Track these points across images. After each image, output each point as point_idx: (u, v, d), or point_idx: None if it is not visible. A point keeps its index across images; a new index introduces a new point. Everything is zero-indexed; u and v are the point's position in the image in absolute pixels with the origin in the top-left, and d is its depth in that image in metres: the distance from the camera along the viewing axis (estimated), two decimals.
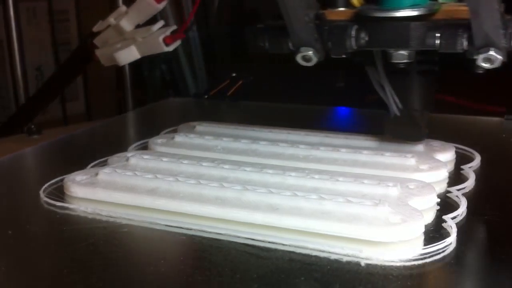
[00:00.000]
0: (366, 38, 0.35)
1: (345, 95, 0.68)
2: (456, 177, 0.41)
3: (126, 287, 0.28)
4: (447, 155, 0.43)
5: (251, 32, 0.40)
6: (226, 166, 0.40)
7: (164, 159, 0.42)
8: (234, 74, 0.73)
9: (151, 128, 0.55)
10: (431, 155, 0.43)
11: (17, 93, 0.85)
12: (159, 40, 0.52)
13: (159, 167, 0.41)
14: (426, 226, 0.32)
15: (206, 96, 0.72)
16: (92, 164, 0.44)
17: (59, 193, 0.39)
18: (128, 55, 0.54)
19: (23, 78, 0.82)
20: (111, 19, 0.55)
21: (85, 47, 0.61)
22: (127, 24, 0.54)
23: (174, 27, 0.54)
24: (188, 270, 0.29)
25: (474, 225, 0.34)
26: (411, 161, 0.41)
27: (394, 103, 0.40)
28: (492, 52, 0.32)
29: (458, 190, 0.38)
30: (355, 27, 0.36)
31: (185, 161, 0.41)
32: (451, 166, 0.43)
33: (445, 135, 0.47)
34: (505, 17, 0.32)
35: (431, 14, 0.34)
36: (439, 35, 0.34)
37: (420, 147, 0.44)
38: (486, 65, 0.33)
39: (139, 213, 0.35)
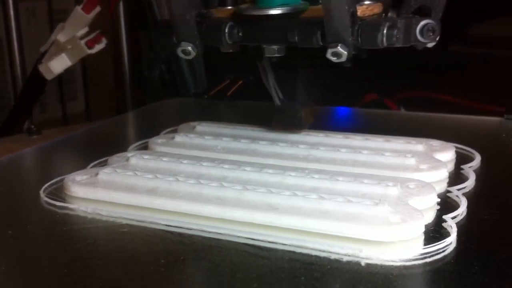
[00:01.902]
0: (240, 34, 0.39)
1: (346, 95, 0.68)
2: (456, 177, 0.41)
3: (126, 287, 0.28)
4: (447, 155, 0.43)
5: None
6: (226, 166, 0.40)
7: (164, 159, 0.42)
8: (233, 74, 0.73)
9: (151, 128, 0.54)
10: (431, 155, 0.43)
11: (17, 93, 0.85)
12: (82, 44, 0.59)
13: (159, 167, 0.41)
14: (426, 225, 0.32)
15: (205, 96, 0.72)
16: (92, 164, 0.44)
17: (59, 193, 0.39)
18: (61, 63, 0.60)
19: (23, 78, 0.82)
20: (52, 37, 0.62)
21: (36, 68, 0.65)
22: (62, 37, 0.61)
23: (97, 32, 0.61)
24: (188, 270, 0.29)
25: (474, 225, 0.34)
26: (411, 160, 0.41)
27: (276, 95, 0.45)
28: (339, 48, 0.35)
29: (458, 189, 0.38)
30: (230, 24, 0.39)
31: (185, 161, 0.41)
32: (451, 166, 0.43)
33: (445, 135, 0.47)
34: (356, 16, 0.35)
35: (298, 13, 0.37)
36: (297, 31, 0.37)
37: (420, 147, 0.44)
38: (334, 59, 0.36)
39: (139, 213, 0.35)
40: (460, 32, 0.74)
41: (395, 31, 0.35)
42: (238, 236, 0.32)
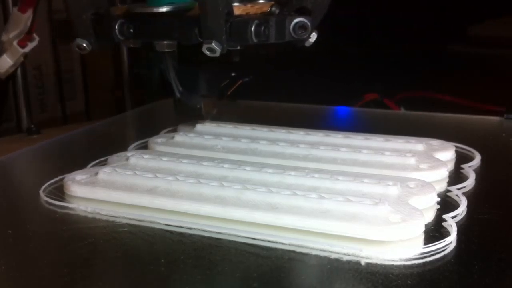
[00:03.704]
0: (131, 31, 0.41)
1: (346, 95, 0.68)
2: (456, 176, 0.41)
3: (126, 286, 0.28)
4: (447, 154, 0.43)
5: None
6: (226, 165, 0.40)
7: (164, 159, 0.42)
8: (233, 74, 0.73)
9: (150, 127, 0.55)
10: (431, 154, 0.43)
11: (17, 93, 0.84)
12: (14, 44, 0.62)
13: (159, 167, 0.41)
14: (426, 225, 0.32)
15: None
16: (92, 163, 0.44)
17: (59, 192, 0.39)
18: (3, 63, 0.63)
19: (22, 78, 0.82)
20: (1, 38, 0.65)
21: None
22: (5, 37, 0.63)
23: (26, 31, 0.63)
24: (188, 269, 0.29)
25: (474, 224, 0.34)
26: (411, 160, 0.41)
27: (175, 87, 0.47)
28: (212, 44, 0.37)
29: (458, 189, 0.38)
30: (120, 21, 0.41)
31: (185, 161, 0.41)
32: (451, 165, 0.43)
33: (445, 134, 0.47)
34: (231, 15, 0.38)
35: (184, 11, 0.39)
36: (178, 28, 0.39)
37: (420, 146, 0.44)
38: (208, 53, 0.38)
39: (139, 212, 0.35)
40: (460, 32, 0.74)
41: (263, 28, 0.37)
42: (238, 236, 0.32)
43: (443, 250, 0.30)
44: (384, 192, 0.35)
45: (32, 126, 0.73)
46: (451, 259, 0.30)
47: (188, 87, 0.47)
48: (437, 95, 0.69)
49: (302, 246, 0.31)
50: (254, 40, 0.38)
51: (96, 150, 0.46)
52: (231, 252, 0.31)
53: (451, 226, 0.32)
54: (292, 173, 0.38)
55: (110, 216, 0.35)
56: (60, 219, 0.36)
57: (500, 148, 0.49)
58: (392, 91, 0.70)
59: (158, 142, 0.48)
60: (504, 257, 0.30)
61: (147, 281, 0.28)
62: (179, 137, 0.48)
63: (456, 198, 0.36)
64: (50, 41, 1.03)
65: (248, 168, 0.40)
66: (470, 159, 0.44)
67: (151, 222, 0.34)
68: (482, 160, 0.44)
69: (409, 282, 0.28)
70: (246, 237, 0.32)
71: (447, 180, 0.40)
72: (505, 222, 0.34)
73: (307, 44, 0.39)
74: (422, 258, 0.29)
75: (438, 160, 0.41)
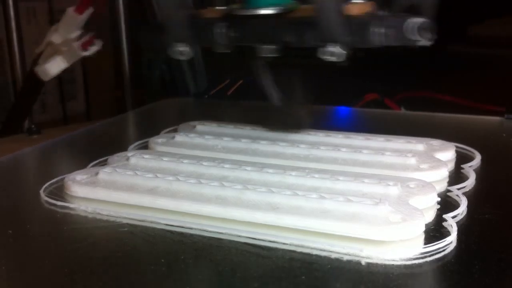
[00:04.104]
0: (233, 35, 0.39)
1: (346, 95, 0.68)
2: (456, 176, 0.41)
3: (126, 286, 0.28)
4: (447, 154, 0.43)
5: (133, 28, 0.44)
6: (227, 166, 0.40)
7: (165, 159, 0.42)
8: (234, 74, 0.73)
9: (151, 127, 0.55)
10: (432, 154, 0.43)
11: (17, 94, 0.85)
12: (75, 47, 0.60)
13: (159, 167, 0.41)
14: (426, 225, 0.32)
15: (206, 96, 0.72)
16: (92, 163, 0.44)
17: (60, 192, 0.39)
18: (56, 66, 0.61)
19: (23, 78, 0.82)
20: (47, 38, 0.62)
21: (31, 69, 0.65)
22: (57, 38, 0.61)
23: (91, 34, 0.61)
24: (189, 270, 0.29)
25: (475, 224, 0.34)
26: (412, 160, 0.41)
27: (274, 95, 0.44)
28: (332, 47, 0.35)
29: (459, 189, 0.38)
30: (222, 24, 0.39)
31: (186, 161, 0.41)
32: (451, 165, 0.43)
33: (446, 134, 0.47)
34: (347, 15, 0.35)
35: (289, 12, 0.37)
36: (289, 31, 0.37)
37: (420, 146, 0.44)
38: (329, 58, 0.36)
39: (139, 212, 0.35)
40: (460, 32, 0.74)
41: (387, 30, 0.35)
42: (239, 236, 0.32)
43: (444, 250, 0.30)
44: (385, 192, 0.35)
45: (33, 126, 0.73)
46: (452, 259, 0.30)
47: (283, 94, 0.44)
48: (437, 95, 0.69)
49: (302, 246, 0.31)
50: (376, 42, 0.35)
51: (97, 150, 0.46)
52: (231, 252, 0.31)
53: (452, 226, 0.32)
54: (293, 173, 0.38)
55: (110, 216, 0.35)
56: (60, 219, 0.36)
57: (500, 148, 0.49)
58: (393, 91, 0.70)
59: (159, 142, 0.48)
60: (504, 257, 0.30)
61: (147, 281, 0.28)
62: (180, 137, 0.48)
63: (456, 198, 0.36)
64: None
65: (248, 168, 0.40)
66: (471, 159, 0.44)
67: (151, 222, 0.34)
68: (482, 160, 0.44)
69: (409, 282, 0.28)
70: (246, 237, 0.32)
71: (447, 180, 0.40)
72: (506, 222, 0.34)
73: (423, 44, 0.36)
74: (422, 258, 0.29)
75: (439, 160, 0.41)
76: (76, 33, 0.60)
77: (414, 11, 0.36)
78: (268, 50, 0.39)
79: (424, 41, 0.35)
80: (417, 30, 0.35)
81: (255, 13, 0.37)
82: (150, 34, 0.43)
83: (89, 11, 0.60)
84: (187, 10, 0.39)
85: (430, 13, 0.36)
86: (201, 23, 0.39)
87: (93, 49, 0.61)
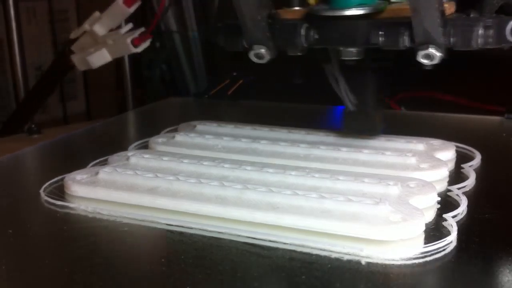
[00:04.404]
0: (316, 36, 0.37)
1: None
2: (456, 176, 0.41)
3: (127, 286, 0.28)
4: (447, 154, 0.43)
5: (212, 30, 0.42)
6: (227, 165, 0.40)
7: (165, 158, 0.42)
8: (234, 73, 0.73)
9: (151, 127, 0.55)
10: (432, 154, 0.43)
11: (18, 94, 0.85)
12: (128, 42, 0.56)
13: (159, 166, 0.41)
14: (426, 224, 0.32)
15: (206, 96, 0.72)
16: (92, 163, 0.44)
17: (60, 192, 0.39)
18: (100, 58, 0.57)
19: (23, 78, 0.82)
20: (86, 26, 0.58)
21: (63, 54, 0.63)
22: (100, 29, 0.57)
23: (142, 29, 0.57)
24: (189, 269, 0.29)
25: (475, 224, 0.34)
26: (412, 160, 0.41)
27: (348, 99, 0.42)
28: (431, 49, 0.33)
29: (459, 188, 0.38)
30: (305, 25, 0.37)
31: (186, 160, 0.41)
32: (451, 165, 0.43)
33: (446, 134, 0.47)
34: (445, 15, 0.33)
35: (377, 13, 0.35)
36: (382, 33, 0.35)
37: (420, 146, 0.44)
38: (425, 61, 0.34)
39: (139, 212, 0.35)
40: None
41: (491, 32, 0.33)
42: (239, 235, 0.32)
43: (444, 250, 0.30)
44: (385, 192, 0.35)
45: (33, 126, 0.73)
46: (452, 258, 0.30)
47: (357, 98, 0.42)
48: (437, 95, 0.69)
49: (302, 246, 0.31)
50: (480, 45, 0.33)
51: (97, 150, 0.46)
52: (231, 252, 0.31)
53: (452, 225, 0.32)
54: (293, 172, 0.38)
55: (110, 215, 0.35)
56: (60, 219, 0.36)
57: (501, 148, 0.49)
58: (393, 91, 0.70)
59: (159, 142, 0.48)
60: (504, 257, 0.30)
61: (147, 280, 0.28)
62: (180, 137, 0.48)
63: (456, 197, 0.36)
64: (51, 41, 1.03)
65: (248, 167, 0.40)
66: (471, 158, 0.44)
67: (151, 222, 0.34)
68: (482, 159, 0.44)
69: (409, 281, 0.28)
70: (246, 237, 0.32)
71: (447, 179, 0.40)
72: (505, 222, 0.34)
73: None
74: (422, 257, 0.29)
75: (439, 159, 0.41)
76: (127, 27, 0.57)
77: (507, 11, 0.35)
78: (350, 53, 0.37)
79: None
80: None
81: (341, 14, 0.35)
82: (230, 36, 0.41)
83: (137, 4, 0.57)
84: (266, 10, 0.38)
85: None
86: (281, 24, 0.38)
87: (143, 46, 0.58)
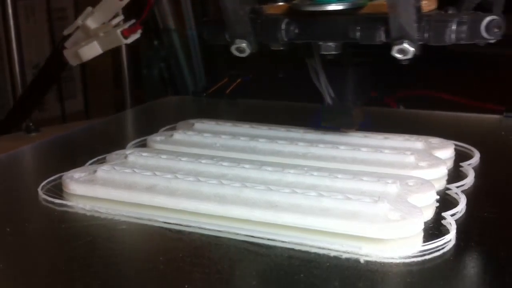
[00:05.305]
0: (296, 31, 0.38)
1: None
2: (455, 174, 0.41)
3: (125, 284, 0.28)
4: (446, 153, 0.43)
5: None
6: (225, 163, 0.40)
7: (163, 157, 0.42)
8: (232, 72, 0.73)
9: (149, 125, 0.54)
10: (431, 152, 0.43)
11: (15, 92, 0.84)
12: (118, 33, 0.55)
13: (157, 165, 0.41)
14: (425, 223, 0.32)
15: (204, 94, 0.72)
16: (90, 161, 0.44)
17: (58, 190, 0.39)
18: (91, 50, 0.57)
19: (21, 76, 0.82)
20: (79, 21, 0.59)
21: (57, 51, 0.63)
22: (92, 23, 0.57)
23: (133, 21, 0.57)
24: (187, 267, 0.29)
25: (474, 222, 0.34)
26: (411, 158, 0.41)
27: (327, 93, 0.43)
28: (405, 44, 0.34)
29: (458, 187, 0.38)
30: (286, 20, 0.38)
31: (184, 159, 0.41)
32: (450, 163, 0.43)
33: (444, 132, 0.47)
34: (421, 11, 0.34)
35: (357, 9, 0.36)
36: (359, 27, 0.36)
37: (419, 144, 0.44)
38: (399, 56, 0.35)
39: (137, 210, 0.35)
40: None
41: (463, 28, 0.34)
42: (237, 234, 0.32)
43: (442, 248, 0.30)
44: (384, 190, 0.35)
45: (31, 124, 0.73)
46: (450, 256, 0.29)
47: (336, 93, 0.43)
48: (436, 93, 0.69)
49: (301, 244, 0.31)
50: (453, 40, 0.34)
51: (95, 148, 0.46)
52: (230, 250, 0.31)
53: (450, 224, 0.32)
54: (291, 171, 0.38)
55: (108, 214, 0.35)
56: (58, 217, 0.36)
57: (499, 146, 0.49)
58: (392, 89, 0.70)
59: (157, 140, 0.48)
60: (503, 255, 0.30)
61: (146, 279, 0.28)
62: (178, 135, 0.48)
63: (455, 196, 0.36)
64: (49, 39, 1.03)
65: (247, 166, 0.40)
66: (469, 157, 0.44)
67: (150, 220, 0.34)
68: (481, 158, 0.44)
69: (408, 280, 0.28)
70: (245, 235, 0.32)
71: (446, 178, 0.40)
72: (504, 220, 0.34)
73: (491, 40, 0.35)
74: (421, 256, 0.29)
75: (437, 158, 0.41)
76: (118, 19, 0.57)
77: (484, 7, 0.36)
78: (329, 48, 0.38)
79: (492, 38, 0.35)
80: (487, 27, 0.34)
81: (321, 9, 0.36)
82: (213, 30, 0.41)
83: None
84: (249, 5, 0.38)
85: (500, 9, 0.35)
86: (263, 19, 0.39)
87: (134, 37, 0.57)
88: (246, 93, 0.70)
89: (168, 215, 0.34)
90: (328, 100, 0.43)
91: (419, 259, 0.29)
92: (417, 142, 0.44)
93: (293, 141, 0.45)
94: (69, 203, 0.37)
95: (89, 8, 0.59)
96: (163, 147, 0.46)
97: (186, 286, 0.27)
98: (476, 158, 0.43)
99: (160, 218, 0.34)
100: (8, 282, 0.29)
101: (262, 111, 0.64)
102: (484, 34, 0.34)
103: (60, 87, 1.02)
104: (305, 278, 0.28)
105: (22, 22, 0.90)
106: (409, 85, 0.71)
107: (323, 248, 0.30)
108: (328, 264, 0.29)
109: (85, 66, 1.04)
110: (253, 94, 0.69)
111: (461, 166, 0.42)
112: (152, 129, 0.52)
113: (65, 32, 0.61)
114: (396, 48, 0.35)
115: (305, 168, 0.39)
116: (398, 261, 0.29)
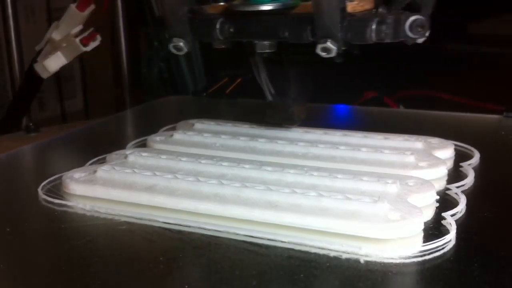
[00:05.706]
0: (231, 30, 0.39)
1: (345, 93, 0.68)
2: (455, 174, 0.41)
3: (125, 284, 0.28)
4: (446, 153, 0.43)
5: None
6: (225, 163, 0.40)
7: (163, 157, 0.42)
8: (232, 72, 0.73)
9: (149, 125, 0.54)
10: (430, 152, 0.43)
11: (15, 92, 0.84)
12: (77, 42, 0.59)
13: (157, 165, 0.41)
14: (425, 223, 0.32)
15: (204, 94, 0.72)
16: (90, 161, 0.44)
17: (58, 190, 0.39)
18: (56, 61, 0.60)
19: (21, 76, 0.81)
20: (48, 35, 0.62)
21: (30, 67, 0.65)
22: (57, 35, 0.61)
23: (91, 29, 0.61)
24: (187, 267, 0.29)
25: (474, 222, 0.34)
26: (410, 158, 0.41)
27: (268, 90, 0.45)
28: (328, 43, 0.35)
29: (457, 187, 0.38)
30: (221, 20, 0.39)
31: (184, 159, 0.41)
32: (450, 164, 0.43)
33: (444, 132, 0.47)
34: (345, 12, 0.36)
35: (289, 9, 0.37)
36: (288, 27, 0.37)
37: (419, 144, 0.44)
38: (323, 54, 0.36)
39: (137, 210, 0.35)
40: (459, 30, 0.74)
41: (384, 27, 0.35)
42: (237, 234, 0.32)
43: (442, 248, 0.30)
44: (383, 190, 0.35)
45: (31, 124, 0.73)
46: (450, 257, 0.29)
47: (277, 90, 0.45)
48: (436, 93, 0.69)
49: (301, 244, 0.31)
50: (374, 39, 0.35)
51: (95, 148, 0.46)
52: (230, 250, 0.31)
53: (450, 224, 0.32)
54: (291, 171, 0.38)
55: (108, 214, 0.35)
56: (58, 217, 0.36)
57: (499, 146, 0.49)
58: (392, 89, 0.70)
59: (157, 140, 0.48)
60: (504, 255, 0.30)
61: (146, 279, 0.28)
62: (178, 135, 0.48)
63: (455, 196, 0.36)
64: None
65: (247, 166, 0.40)
66: (469, 157, 0.44)
67: (149, 220, 0.34)
68: (481, 158, 0.44)
69: (408, 280, 0.28)
70: (245, 235, 0.32)
71: (446, 178, 0.40)
72: (504, 220, 0.34)
73: (419, 41, 0.36)
74: (421, 256, 0.29)
75: (437, 158, 0.41)
76: (77, 29, 0.60)
77: (413, 8, 0.36)
78: (263, 46, 0.39)
79: (418, 38, 0.36)
80: (411, 27, 0.35)
81: (255, 9, 0.37)
82: (158, 28, 0.44)
83: (90, 8, 0.60)
84: (187, 5, 0.40)
85: (429, 10, 0.36)
86: (200, 18, 0.40)
87: (93, 45, 0.61)
88: (246, 93, 0.70)
89: (168, 215, 0.34)
90: (269, 96, 0.45)
91: (419, 259, 0.29)
92: (417, 142, 0.44)
93: (292, 141, 0.45)
94: (69, 203, 0.37)
95: (55, 23, 0.62)
96: (163, 147, 0.46)
97: (186, 286, 0.27)
98: (476, 158, 0.43)
99: (160, 218, 0.34)
100: (8, 282, 0.29)
101: (262, 111, 0.64)
102: (408, 33, 0.35)
103: (60, 87, 1.02)
104: (305, 278, 0.28)
105: (22, 22, 0.90)
106: (409, 85, 0.71)
107: (323, 248, 0.30)
108: (328, 264, 0.29)
109: (84, 66, 1.04)
110: (253, 94, 0.69)
111: (461, 166, 0.42)
112: (152, 129, 0.52)
113: (37, 48, 0.65)
114: (320, 46, 0.36)
115: (305, 168, 0.39)
116: (398, 261, 0.29)
